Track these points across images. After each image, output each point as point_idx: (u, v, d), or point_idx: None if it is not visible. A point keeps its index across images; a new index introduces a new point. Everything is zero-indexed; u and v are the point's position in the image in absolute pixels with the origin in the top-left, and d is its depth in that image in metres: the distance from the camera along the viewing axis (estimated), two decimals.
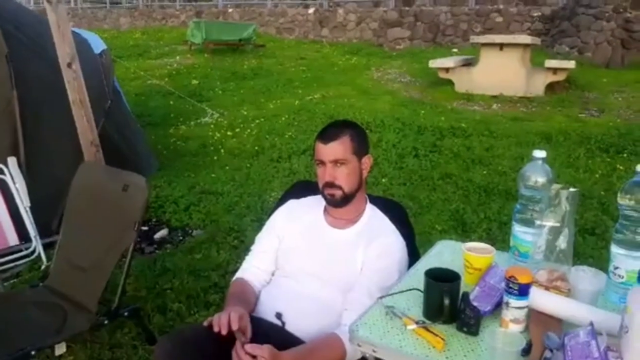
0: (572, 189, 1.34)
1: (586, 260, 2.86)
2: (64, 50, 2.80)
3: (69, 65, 2.82)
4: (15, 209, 2.75)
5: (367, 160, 1.68)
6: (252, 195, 4.16)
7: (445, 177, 4.45)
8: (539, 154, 1.41)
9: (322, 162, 1.63)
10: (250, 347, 1.33)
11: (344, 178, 1.62)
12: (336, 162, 1.61)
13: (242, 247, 3.19)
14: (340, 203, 1.65)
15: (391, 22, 11.77)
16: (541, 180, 1.40)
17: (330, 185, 1.62)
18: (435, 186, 4.30)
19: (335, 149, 1.60)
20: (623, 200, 1.29)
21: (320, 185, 1.65)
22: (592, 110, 6.54)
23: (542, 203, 1.38)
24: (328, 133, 1.63)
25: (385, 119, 5.92)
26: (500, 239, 3.21)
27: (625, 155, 4.90)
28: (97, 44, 4.32)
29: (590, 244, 3.20)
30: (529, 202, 1.42)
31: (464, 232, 3.49)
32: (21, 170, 2.87)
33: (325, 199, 1.67)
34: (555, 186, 1.35)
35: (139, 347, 2.29)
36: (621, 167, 4.58)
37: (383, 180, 4.38)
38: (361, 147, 1.66)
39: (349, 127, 1.67)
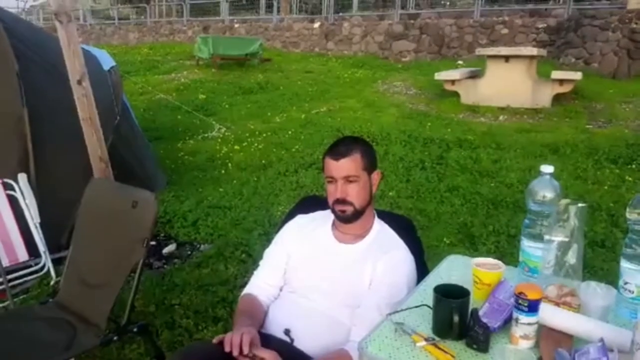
0: (580, 204, 1.34)
1: (596, 274, 2.85)
2: (74, 68, 2.84)
3: (79, 82, 2.85)
4: (25, 225, 2.78)
5: (376, 176, 1.69)
6: (259, 209, 4.17)
7: (453, 190, 4.44)
8: (547, 169, 1.41)
9: (333, 179, 1.63)
10: (257, 350, 1.36)
11: (355, 194, 1.62)
12: (347, 178, 1.61)
13: (249, 262, 3.20)
14: (351, 219, 1.65)
15: (396, 35, 11.84)
16: (549, 195, 1.39)
17: (342, 201, 1.62)
18: (443, 199, 4.29)
19: (347, 165, 1.61)
20: (632, 215, 1.28)
21: (331, 201, 1.66)
22: (600, 121, 6.51)
23: (551, 218, 1.38)
24: (338, 150, 1.64)
25: (391, 132, 5.94)
26: (509, 252, 3.19)
27: (634, 166, 4.87)
28: (106, 61, 4.37)
29: (600, 257, 3.18)
30: (537, 217, 1.42)
31: (472, 245, 3.48)
32: (31, 187, 2.90)
33: (336, 215, 1.67)
34: (564, 201, 1.35)
35: None
36: (630, 179, 4.55)
37: (390, 193, 4.38)
38: (371, 163, 1.67)
39: (359, 143, 1.69)
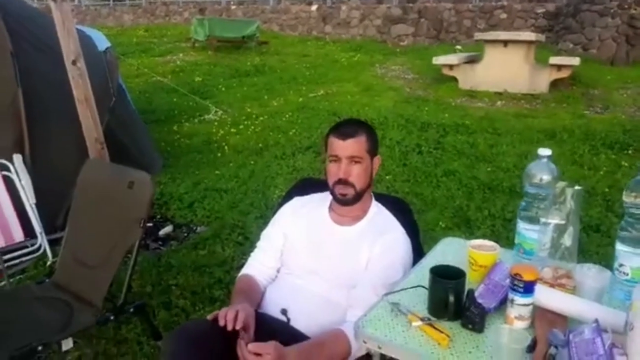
0: (577, 187, 1.34)
1: (590, 258, 2.87)
2: (69, 48, 2.81)
3: (74, 62, 2.83)
4: (21, 206, 2.77)
5: (377, 161, 1.69)
6: (256, 192, 4.17)
7: (449, 174, 4.45)
8: (544, 152, 1.41)
9: (338, 158, 1.62)
10: (253, 347, 1.32)
11: (357, 176, 1.62)
12: (352, 158, 1.61)
13: (246, 244, 3.21)
14: (350, 202, 1.65)
15: (395, 18, 11.75)
16: (546, 178, 1.40)
17: (344, 182, 1.61)
18: (439, 183, 4.30)
19: (353, 146, 1.61)
20: (628, 198, 1.29)
21: (332, 181, 1.64)
22: (597, 107, 6.51)
23: (547, 201, 1.38)
24: (346, 130, 1.63)
25: (388, 116, 5.93)
26: (504, 236, 3.21)
27: (630, 152, 4.89)
28: (101, 41, 4.33)
29: (594, 241, 3.20)
30: (534, 200, 1.42)
31: (467, 229, 3.49)
32: (26, 167, 2.89)
33: (335, 197, 1.66)
34: (561, 184, 1.35)
35: (144, 342, 2.31)
36: (626, 164, 4.57)
37: (387, 177, 4.38)
38: (374, 147, 1.67)
39: (365, 126, 1.68)
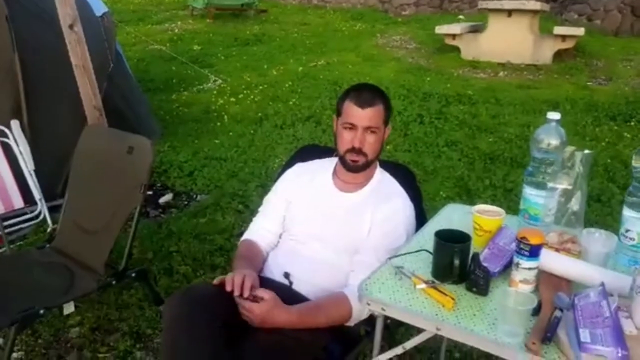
0: (586, 151, 1.32)
1: (591, 227, 2.87)
2: (65, 12, 2.74)
3: (71, 27, 2.76)
4: (20, 172, 2.74)
5: (387, 131, 1.66)
6: (256, 162, 4.14)
7: (451, 144, 4.42)
8: (554, 115, 1.39)
9: (354, 126, 1.57)
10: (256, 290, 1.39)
11: (371, 146, 1.59)
12: (369, 128, 1.57)
13: (246, 212, 3.20)
14: (360, 169, 1.63)
15: None
16: (555, 142, 1.37)
17: (358, 151, 1.58)
18: (440, 153, 4.27)
19: (371, 115, 1.57)
20: (637, 163, 1.27)
21: (344, 148, 1.60)
22: (600, 79, 6.45)
23: (555, 165, 1.36)
24: (365, 96, 1.58)
25: (390, 86, 5.84)
26: (505, 206, 3.14)
27: (632, 123, 4.86)
28: (98, 6, 4.22)
29: (595, 211, 3.20)
30: (541, 165, 1.40)
31: (468, 198, 3.48)
32: (24, 134, 2.85)
33: (345, 163, 1.62)
34: (570, 148, 1.33)
35: (146, 307, 2.32)
36: (628, 135, 4.54)
37: (388, 147, 4.35)
38: (389, 117, 1.64)
39: (382, 94, 1.64)
